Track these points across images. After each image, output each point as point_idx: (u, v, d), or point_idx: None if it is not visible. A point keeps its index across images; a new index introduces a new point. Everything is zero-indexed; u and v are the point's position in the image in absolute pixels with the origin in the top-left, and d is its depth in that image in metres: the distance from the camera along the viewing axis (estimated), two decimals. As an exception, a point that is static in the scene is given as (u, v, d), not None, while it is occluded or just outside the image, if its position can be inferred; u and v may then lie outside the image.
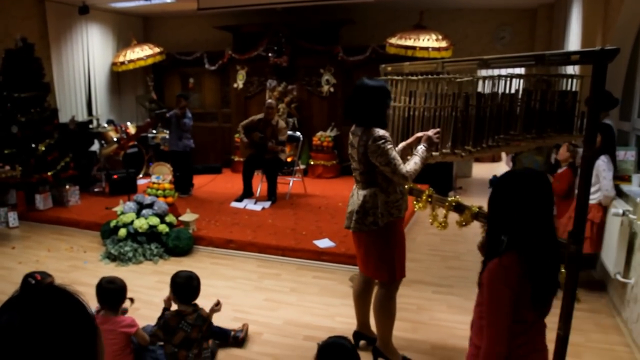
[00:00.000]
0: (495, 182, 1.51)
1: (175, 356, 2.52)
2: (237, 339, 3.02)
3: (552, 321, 2.81)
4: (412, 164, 2.51)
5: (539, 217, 1.55)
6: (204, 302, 2.86)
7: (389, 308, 2.71)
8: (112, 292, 2.55)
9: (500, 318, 1.52)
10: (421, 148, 2.57)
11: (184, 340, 2.52)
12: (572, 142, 4.11)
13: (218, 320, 3.19)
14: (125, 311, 2.73)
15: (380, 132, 2.50)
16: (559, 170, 4.17)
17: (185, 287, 2.62)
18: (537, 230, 1.55)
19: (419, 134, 2.66)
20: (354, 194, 2.72)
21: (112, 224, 4.74)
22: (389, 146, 2.47)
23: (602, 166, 3.52)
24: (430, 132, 2.59)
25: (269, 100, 6.27)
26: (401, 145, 2.74)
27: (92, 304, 0.77)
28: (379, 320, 2.74)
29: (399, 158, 2.49)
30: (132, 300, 2.75)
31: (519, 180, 1.59)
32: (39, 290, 0.84)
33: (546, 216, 1.58)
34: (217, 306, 2.77)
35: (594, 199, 3.58)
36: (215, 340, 2.97)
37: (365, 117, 2.58)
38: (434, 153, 2.66)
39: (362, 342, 2.99)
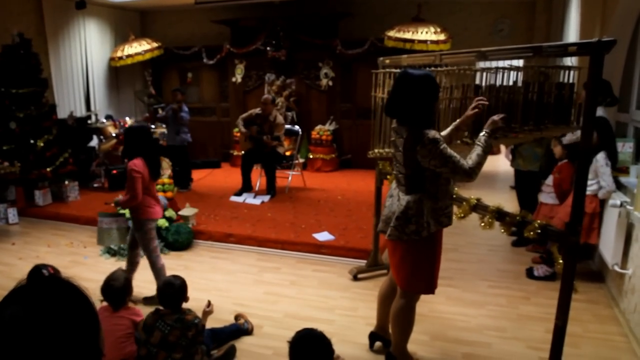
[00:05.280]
0: (125, 132, 3.21)
1: (155, 357, 2.45)
2: (247, 331, 3.10)
3: (549, 312, 2.85)
4: (474, 157, 2.20)
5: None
6: (204, 295, 2.88)
7: (409, 318, 2.55)
8: (116, 289, 2.56)
9: (134, 184, 3.15)
10: (483, 136, 2.26)
11: (162, 341, 2.45)
12: (557, 137, 4.10)
13: (220, 313, 3.21)
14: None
15: (430, 134, 2.18)
16: (559, 163, 4.16)
17: (163, 292, 2.56)
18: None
19: (469, 113, 2.40)
20: (393, 195, 2.46)
21: (112, 219, 4.75)
22: (442, 146, 2.16)
23: (601, 162, 3.50)
24: (496, 117, 2.31)
25: (265, 96, 6.24)
26: (448, 130, 2.55)
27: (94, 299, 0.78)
28: (396, 328, 2.60)
29: (456, 155, 2.18)
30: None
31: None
32: (42, 282, 0.84)
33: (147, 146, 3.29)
34: (208, 307, 2.75)
35: (589, 190, 3.58)
36: (234, 339, 2.98)
37: (411, 114, 2.25)
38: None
39: (377, 344, 2.89)
